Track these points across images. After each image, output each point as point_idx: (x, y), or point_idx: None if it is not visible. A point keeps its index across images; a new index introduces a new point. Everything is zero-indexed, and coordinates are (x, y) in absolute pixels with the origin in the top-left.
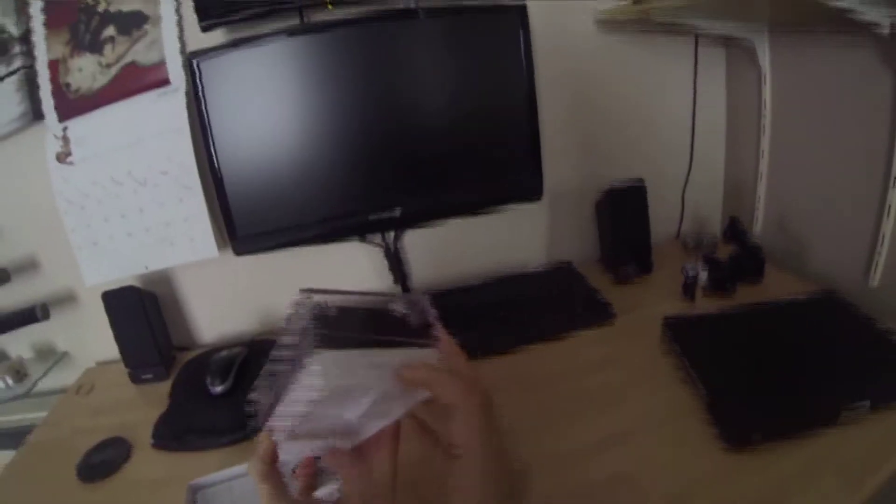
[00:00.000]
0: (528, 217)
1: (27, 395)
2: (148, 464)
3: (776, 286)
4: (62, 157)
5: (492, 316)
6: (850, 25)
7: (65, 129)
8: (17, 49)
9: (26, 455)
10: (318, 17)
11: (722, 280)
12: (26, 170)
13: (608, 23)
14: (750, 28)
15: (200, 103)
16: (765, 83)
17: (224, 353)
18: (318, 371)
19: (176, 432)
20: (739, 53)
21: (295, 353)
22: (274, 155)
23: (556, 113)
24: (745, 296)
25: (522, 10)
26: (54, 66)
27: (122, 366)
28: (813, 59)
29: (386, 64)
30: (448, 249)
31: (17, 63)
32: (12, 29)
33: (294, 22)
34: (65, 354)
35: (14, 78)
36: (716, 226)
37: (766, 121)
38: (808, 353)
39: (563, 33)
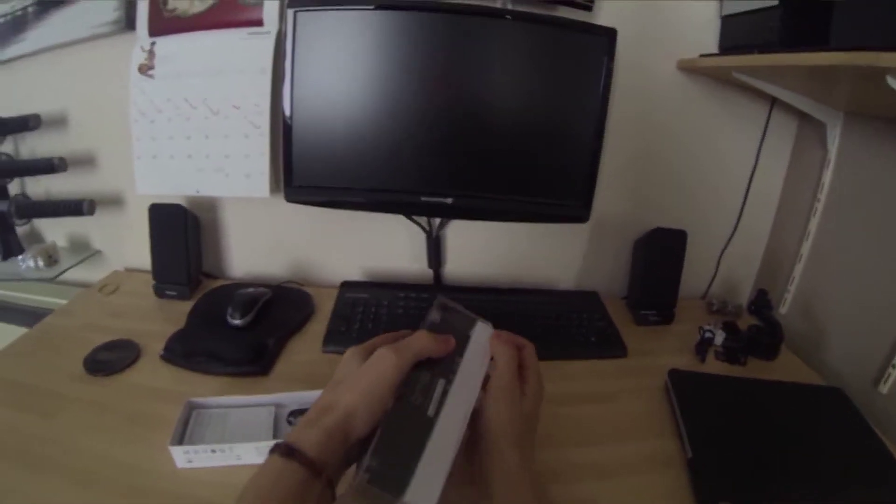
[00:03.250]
0: (569, 238)
1: (53, 280)
2: (152, 372)
3: (787, 369)
4: (144, 69)
5: (508, 323)
6: None
7: (153, 43)
8: None
9: (39, 333)
10: None
11: (735, 350)
12: (107, 73)
13: (690, 69)
14: (826, 109)
15: (288, 51)
16: (828, 167)
17: (250, 289)
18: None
19: (186, 351)
20: (810, 130)
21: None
22: (344, 116)
23: (618, 143)
24: (754, 370)
25: (612, 35)
26: None
27: (149, 276)
28: (882, 156)
29: (468, 56)
30: (485, 248)
31: None
32: None
33: None
34: (97, 252)
35: None
36: (744, 295)
37: (820, 204)
38: (799, 440)
39: (645, 69)
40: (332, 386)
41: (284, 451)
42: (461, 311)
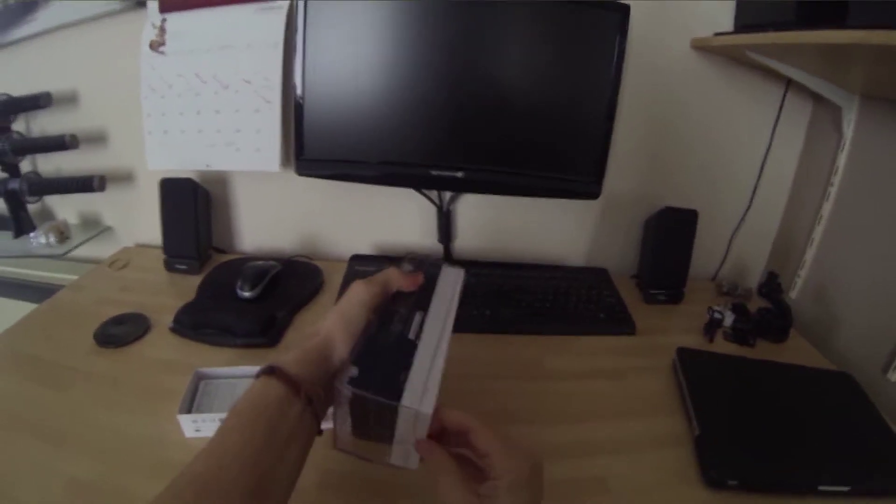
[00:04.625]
0: (579, 214)
1: (64, 256)
2: (162, 344)
3: (796, 352)
4: (155, 46)
5: (517, 297)
6: None
7: (163, 20)
8: None
9: (51, 308)
10: None
11: (744, 331)
12: (118, 50)
13: (704, 48)
14: (842, 92)
15: (300, 25)
16: (842, 150)
17: (260, 262)
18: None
19: (196, 323)
20: (825, 113)
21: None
22: (356, 90)
23: (632, 121)
24: (763, 352)
25: (625, 12)
26: None
27: (159, 252)
28: None
29: (481, 34)
30: (495, 223)
31: None
32: None
33: None
34: (108, 229)
35: None
36: (755, 277)
37: (834, 188)
38: (807, 422)
39: (658, 47)
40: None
41: (266, 370)
42: (431, 261)
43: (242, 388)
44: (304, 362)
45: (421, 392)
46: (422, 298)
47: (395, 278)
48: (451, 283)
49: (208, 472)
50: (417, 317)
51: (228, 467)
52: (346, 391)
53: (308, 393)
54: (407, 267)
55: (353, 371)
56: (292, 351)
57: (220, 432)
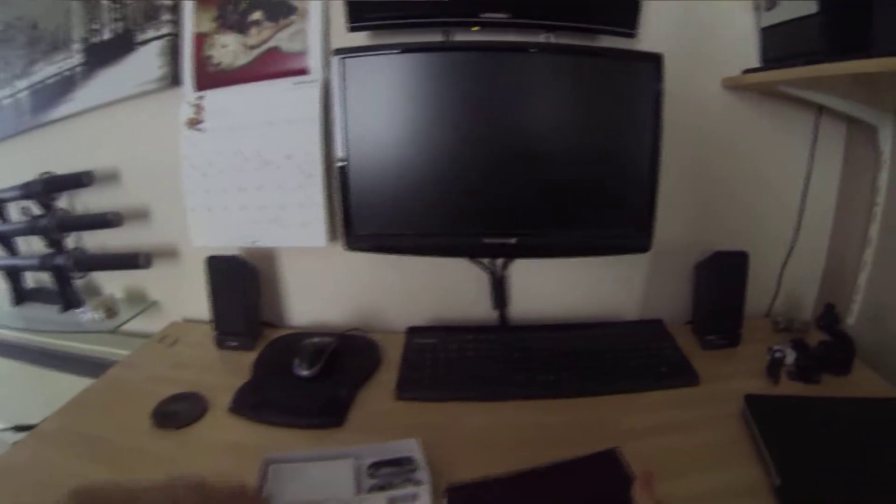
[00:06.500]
0: (629, 267)
1: (114, 331)
2: (222, 426)
3: (862, 383)
4: (193, 123)
5: (576, 358)
6: None
7: (200, 98)
8: (166, 17)
9: (104, 386)
10: (461, 36)
11: (808, 367)
12: (157, 129)
13: (735, 86)
14: (875, 111)
15: (338, 98)
16: (882, 169)
17: (315, 339)
18: None
19: (255, 403)
20: (860, 134)
21: None
22: (400, 160)
23: (671, 167)
24: (830, 387)
25: (658, 61)
26: (199, 38)
27: (207, 327)
28: None
29: (519, 93)
30: (548, 284)
31: (165, 30)
32: None
33: (438, 36)
34: (155, 303)
35: (158, 43)
36: (808, 308)
37: (879, 208)
38: (892, 458)
39: (690, 89)
40: None
41: None
42: None
43: (313, 472)
44: None
45: None
46: None
47: None
48: None
49: None
50: None
51: None
52: None
53: None
54: None
55: None
56: None
57: None
